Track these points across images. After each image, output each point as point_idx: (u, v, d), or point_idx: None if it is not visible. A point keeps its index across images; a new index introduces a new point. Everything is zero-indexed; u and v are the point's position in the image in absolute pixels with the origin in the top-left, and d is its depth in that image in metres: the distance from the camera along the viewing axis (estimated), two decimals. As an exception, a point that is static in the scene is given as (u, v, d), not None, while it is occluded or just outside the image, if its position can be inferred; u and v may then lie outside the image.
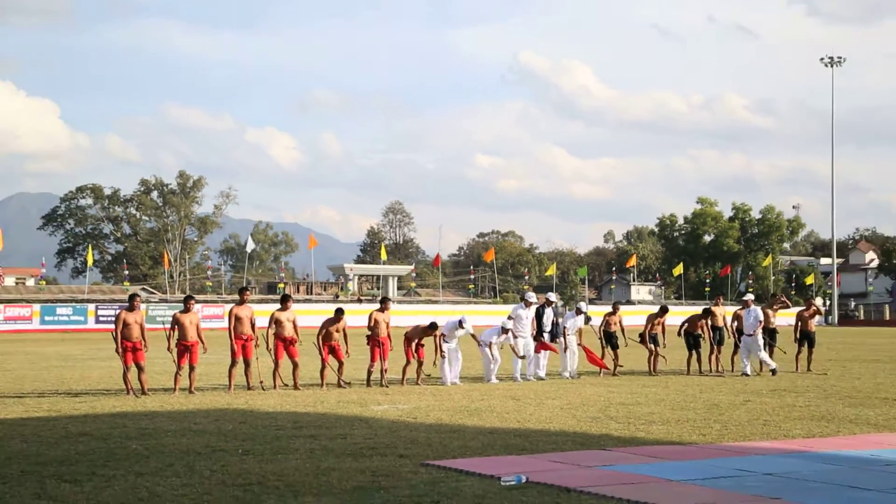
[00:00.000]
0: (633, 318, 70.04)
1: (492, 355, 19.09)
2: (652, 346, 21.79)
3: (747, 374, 20.87)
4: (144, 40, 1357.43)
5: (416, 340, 18.50)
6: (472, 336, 19.09)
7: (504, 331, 19.14)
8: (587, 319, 21.24)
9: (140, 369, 16.26)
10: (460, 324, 18.64)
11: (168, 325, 16.96)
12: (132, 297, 16.84)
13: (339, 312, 17.85)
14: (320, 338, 17.75)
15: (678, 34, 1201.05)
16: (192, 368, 16.63)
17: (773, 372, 20.99)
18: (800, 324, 22.58)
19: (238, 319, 16.92)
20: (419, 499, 7.78)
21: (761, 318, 21.42)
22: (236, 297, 18.66)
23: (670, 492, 8.11)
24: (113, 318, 54.98)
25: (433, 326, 18.45)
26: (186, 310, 16.85)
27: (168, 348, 16.78)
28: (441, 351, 18.54)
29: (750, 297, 22.55)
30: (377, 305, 18.70)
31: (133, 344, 16.28)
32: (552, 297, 21.22)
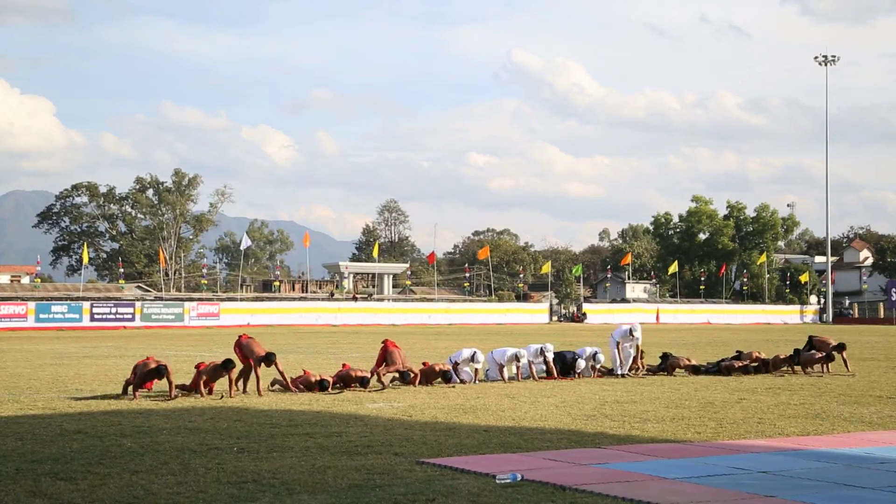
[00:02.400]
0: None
1: (499, 375, 18.88)
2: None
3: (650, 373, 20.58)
4: (140, 39, 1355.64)
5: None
6: (476, 371, 18.70)
7: (516, 358, 18.88)
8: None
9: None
10: (473, 357, 18.47)
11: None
12: (161, 368, 15.40)
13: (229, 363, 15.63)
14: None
15: (671, 33, 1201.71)
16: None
17: (621, 375, 20.27)
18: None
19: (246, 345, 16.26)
20: (414, 497, 7.79)
21: (636, 331, 20.81)
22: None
23: (665, 489, 8.12)
24: (107, 316, 55.76)
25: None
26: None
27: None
28: (450, 382, 18.22)
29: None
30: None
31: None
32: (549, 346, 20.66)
